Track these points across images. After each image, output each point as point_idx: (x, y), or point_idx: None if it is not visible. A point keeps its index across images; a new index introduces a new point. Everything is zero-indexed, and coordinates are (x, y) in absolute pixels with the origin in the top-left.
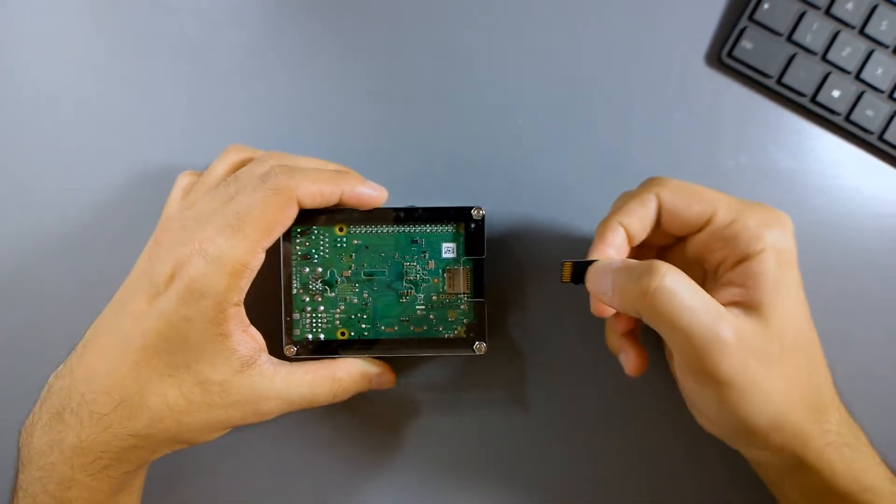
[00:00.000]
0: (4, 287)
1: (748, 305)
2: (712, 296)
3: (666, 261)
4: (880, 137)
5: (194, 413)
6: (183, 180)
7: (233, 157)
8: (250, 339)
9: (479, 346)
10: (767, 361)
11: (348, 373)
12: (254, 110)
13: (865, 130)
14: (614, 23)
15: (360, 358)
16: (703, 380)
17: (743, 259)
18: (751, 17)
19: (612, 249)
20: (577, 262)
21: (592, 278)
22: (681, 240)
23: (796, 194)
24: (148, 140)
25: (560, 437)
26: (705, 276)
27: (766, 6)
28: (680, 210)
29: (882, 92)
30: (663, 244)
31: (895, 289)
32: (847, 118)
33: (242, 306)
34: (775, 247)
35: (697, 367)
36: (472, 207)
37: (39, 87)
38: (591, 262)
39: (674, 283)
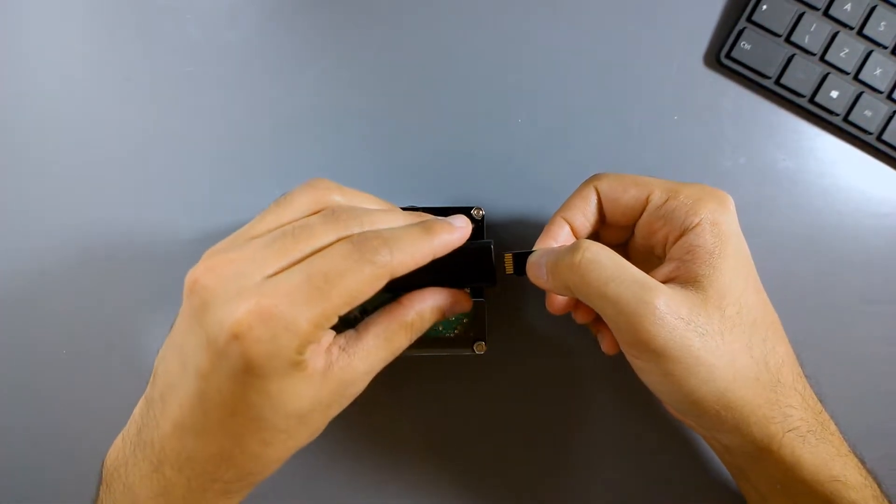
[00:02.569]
0: (3, 286)
1: (686, 279)
2: (656, 272)
3: (623, 256)
4: (879, 138)
5: (297, 437)
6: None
7: (317, 197)
8: (321, 350)
9: (479, 346)
10: (706, 333)
11: (419, 315)
12: (254, 110)
13: (864, 131)
14: (613, 24)
15: (425, 289)
16: (640, 352)
17: (681, 234)
18: (749, 19)
19: (554, 242)
20: (518, 252)
21: (530, 267)
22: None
23: (795, 194)
24: (148, 140)
25: (560, 436)
26: (660, 263)
27: (764, 7)
28: (618, 196)
29: (881, 92)
30: (619, 241)
31: (894, 288)
32: (845, 118)
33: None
34: (711, 219)
35: (632, 339)
36: (472, 207)
37: (39, 87)
38: (531, 251)
39: (596, 255)
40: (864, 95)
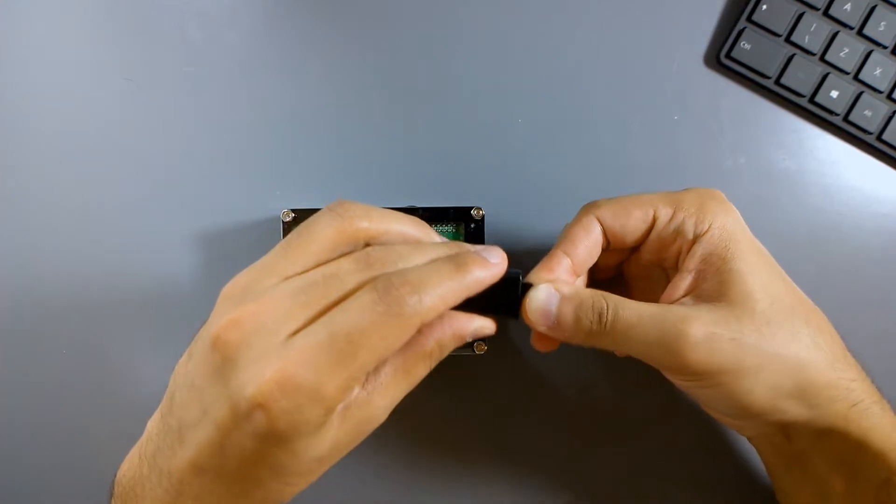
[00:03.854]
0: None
1: (707, 289)
2: (675, 286)
3: (624, 275)
4: (878, 137)
5: (317, 473)
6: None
7: (342, 227)
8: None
9: (479, 346)
10: (744, 339)
11: (438, 344)
12: (254, 111)
13: (864, 130)
14: (613, 24)
15: (445, 315)
16: (685, 376)
17: (693, 243)
18: (749, 19)
19: (552, 275)
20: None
21: (536, 308)
22: (633, 251)
23: (795, 194)
24: (149, 141)
25: (560, 436)
26: (667, 276)
27: (764, 7)
28: (623, 222)
29: (880, 92)
30: (616, 262)
31: (895, 288)
32: (845, 118)
33: None
34: (719, 224)
35: (673, 368)
36: (472, 207)
37: (39, 88)
38: (522, 281)
39: (623, 314)
40: (864, 95)
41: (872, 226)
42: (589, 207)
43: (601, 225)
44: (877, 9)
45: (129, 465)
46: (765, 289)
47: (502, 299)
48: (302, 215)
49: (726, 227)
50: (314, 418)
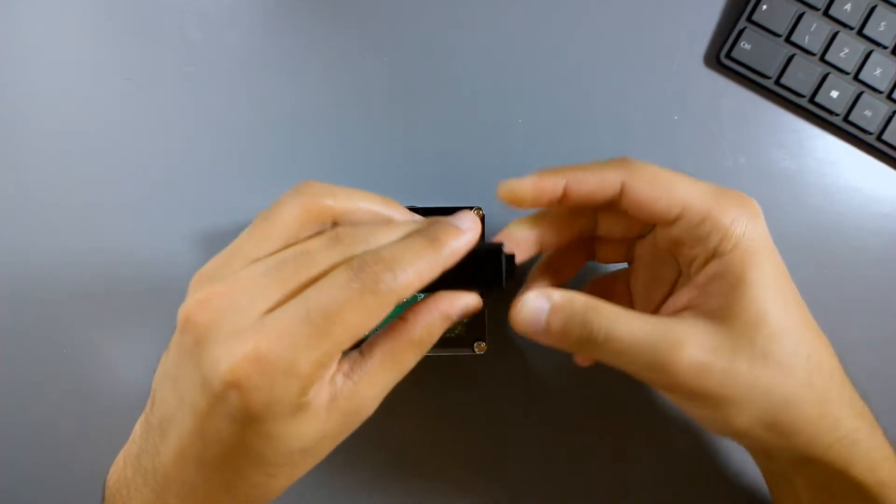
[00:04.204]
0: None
1: (712, 309)
2: (678, 297)
3: (635, 253)
4: (879, 138)
5: (302, 466)
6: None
7: (307, 204)
8: (325, 381)
9: (479, 346)
10: (733, 371)
11: (427, 329)
12: (253, 110)
13: (864, 131)
14: (613, 24)
15: (429, 298)
16: (674, 395)
17: (711, 257)
18: (749, 19)
19: (538, 200)
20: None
21: (523, 309)
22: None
23: (795, 194)
24: (149, 141)
25: (560, 436)
26: (679, 271)
27: (764, 7)
28: (648, 203)
29: (881, 92)
30: (628, 235)
31: (894, 288)
32: (845, 118)
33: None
34: (745, 245)
35: (664, 385)
36: (472, 207)
37: (39, 88)
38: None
39: (622, 324)
40: (864, 95)
41: (872, 226)
42: (621, 166)
43: (622, 189)
44: (877, 9)
45: (115, 469)
46: (772, 320)
47: (485, 271)
48: None
49: (751, 248)
50: (290, 397)
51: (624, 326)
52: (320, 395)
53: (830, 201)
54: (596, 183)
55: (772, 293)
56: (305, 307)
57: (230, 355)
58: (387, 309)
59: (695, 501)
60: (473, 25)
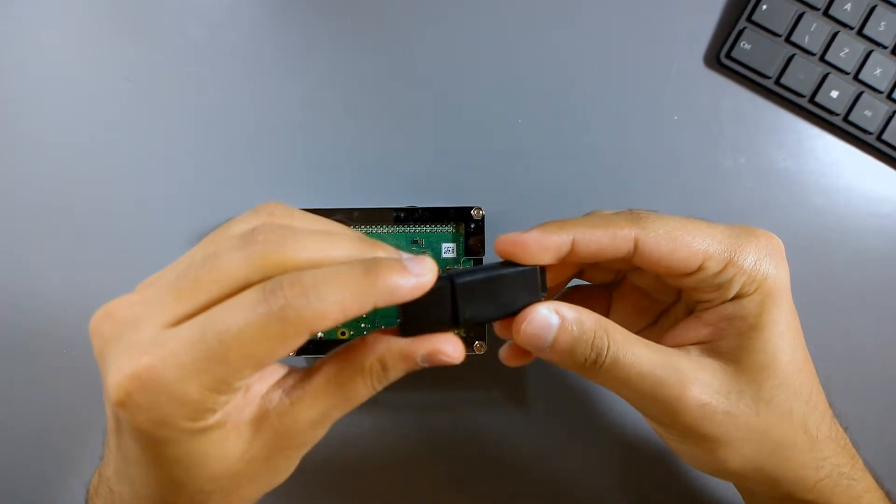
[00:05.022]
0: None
1: (721, 349)
2: (685, 331)
3: (627, 278)
4: (878, 138)
5: (242, 491)
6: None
7: (259, 261)
8: (252, 401)
9: (479, 346)
10: (738, 412)
11: (380, 361)
12: (253, 111)
13: (864, 131)
14: (613, 24)
15: (389, 335)
16: (670, 433)
17: (728, 299)
18: (749, 19)
19: (542, 258)
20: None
21: (533, 323)
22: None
23: (795, 194)
24: (149, 141)
25: (560, 436)
26: (669, 302)
27: (764, 7)
28: (665, 259)
29: (880, 92)
30: (620, 269)
31: (894, 288)
32: (845, 118)
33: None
34: (766, 289)
35: (661, 422)
36: (472, 207)
37: (40, 88)
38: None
39: (630, 354)
40: (863, 95)
41: (872, 226)
42: (631, 218)
43: (635, 245)
44: (877, 9)
45: (94, 477)
46: (781, 365)
47: (438, 311)
48: None
49: (771, 291)
50: (179, 421)
51: (632, 354)
52: (243, 412)
53: (830, 201)
54: (607, 241)
55: (784, 338)
56: (202, 327)
57: (119, 371)
58: (296, 339)
59: (698, 499)
60: (474, 25)
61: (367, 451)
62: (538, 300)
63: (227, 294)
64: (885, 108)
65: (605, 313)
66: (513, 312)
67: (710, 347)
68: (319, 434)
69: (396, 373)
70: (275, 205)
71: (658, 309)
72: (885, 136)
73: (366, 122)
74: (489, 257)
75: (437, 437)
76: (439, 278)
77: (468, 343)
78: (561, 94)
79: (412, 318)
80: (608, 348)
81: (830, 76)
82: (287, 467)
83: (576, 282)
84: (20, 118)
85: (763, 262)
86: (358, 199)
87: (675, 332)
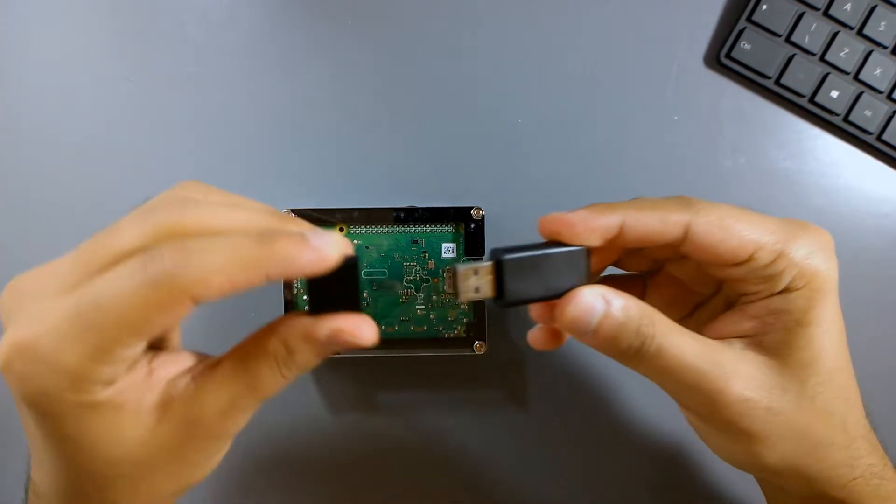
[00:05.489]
0: None
1: (766, 343)
2: (727, 323)
3: (665, 267)
4: (879, 138)
5: (137, 483)
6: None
7: (159, 217)
8: (156, 384)
9: (479, 346)
10: (781, 409)
11: (284, 343)
12: (253, 111)
13: (864, 131)
14: (613, 24)
15: (297, 314)
16: (709, 427)
17: (776, 292)
18: (749, 19)
19: (589, 239)
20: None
21: (578, 304)
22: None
23: (795, 194)
24: (149, 141)
25: (560, 436)
26: (709, 294)
27: (764, 7)
28: (715, 247)
29: (881, 92)
30: (663, 257)
31: (894, 288)
32: (846, 118)
33: (133, 368)
34: (815, 284)
35: (703, 417)
36: (471, 207)
37: (39, 88)
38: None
39: (675, 344)
40: (864, 95)
41: (872, 226)
42: (683, 205)
43: (685, 231)
44: (877, 9)
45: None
46: (826, 363)
47: (342, 290)
48: (302, 215)
49: (821, 287)
50: (60, 393)
51: (677, 344)
52: (145, 396)
53: (830, 201)
54: (657, 224)
55: (830, 336)
56: (81, 295)
57: (4, 342)
58: (176, 305)
59: (698, 499)
60: (473, 25)
61: (367, 451)
62: (584, 283)
63: (118, 262)
64: (885, 108)
65: None
66: (556, 294)
67: (754, 341)
68: (232, 425)
69: (304, 356)
70: (193, 182)
71: (694, 301)
72: (885, 136)
73: (366, 122)
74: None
75: (436, 438)
76: (350, 257)
77: (468, 343)
78: (561, 94)
79: (319, 296)
80: (653, 337)
81: (830, 76)
82: (202, 461)
83: (609, 270)
84: (20, 118)
85: (814, 256)
86: (358, 199)
87: (715, 324)
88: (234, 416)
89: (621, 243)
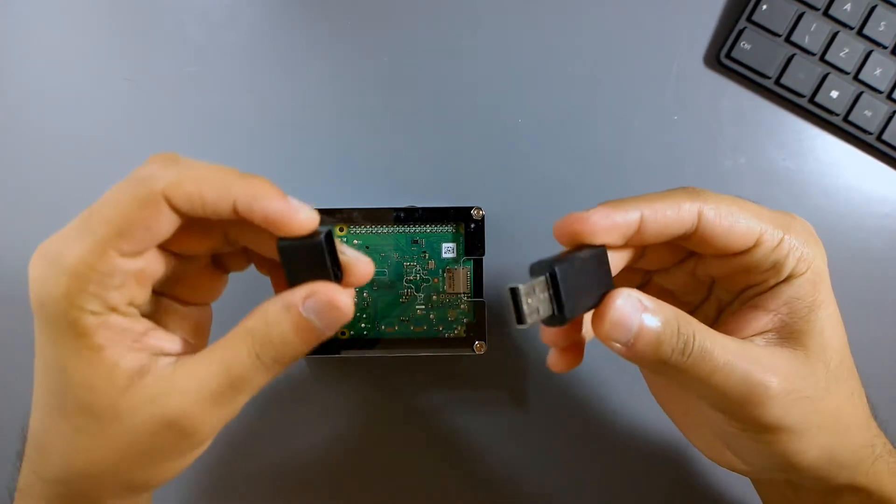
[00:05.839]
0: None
1: (785, 334)
2: (746, 322)
3: (663, 280)
4: (878, 138)
5: (98, 449)
6: None
7: (141, 199)
8: (142, 349)
9: (479, 346)
10: (815, 396)
11: (263, 316)
12: (253, 111)
13: (864, 131)
14: (613, 24)
15: (285, 292)
16: (746, 428)
17: (782, 281)
18: (749, 19)
19: (610, 236)
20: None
21: (617, 312)
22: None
23: (795, 195)
24: (148, 141)
25: (560, 436)
26: (712, 296)
27: (764, 7)
28: (725, 234)
29: (880, 92)
30: (664, 262)
31: (895, 288)
32: (845, 118)
33: (128, 315)
34: (815, 267)
35: (739, 419)
36: (471, 207)
37: (39, 88)
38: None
39: (717, 343)
40: (864, 95)
41: (872, 226)
42: (691, 194)
43: (698, 220)
44: (877, 9)
45: None
46: (838, 343)
47: (314, 262)
48: None
49: (820, 271)
50: (57, 290)
51: (719, 344)
52: (125, 355)
53: (830, 201)
54: (674, 216)
55: (835, 316)
56: (80, 213)
57: (35, 253)
58: (152, 205)
59: (698, 499)
60: (473, 25)
61: (367, 451)
62: (611, 287)
63: None
64: (884, 108)
65: None
66: (596, 303)
67: (775, 336)
68: (201, 414)
69: (281, 330)
70: (169, 154)
71: (685, 311)
72: (885, 136)
73: (366, 122)
74: (488, 258)
75: (436, 438)
76: (318, 231)
77: (468, 343)
78: (561, 94)
79: (295, 271)
80: (694, 336)
81: (830, 76)
82: (162, 454)
83: None
84: (19, 118)
85: (808, 243)
86: (358, 199)
87: (730, 326)
88: (203, 401)
89: (638, 240)
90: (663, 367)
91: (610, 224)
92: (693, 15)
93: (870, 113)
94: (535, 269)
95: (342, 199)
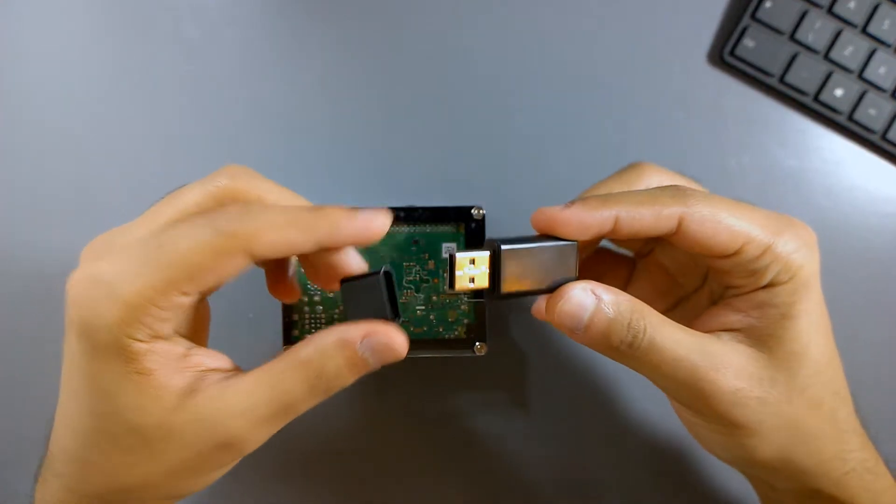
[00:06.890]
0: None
1: (754, 335)
2: (714, 316)
3: (656, 257)
4: (883, 136)
5: (147, 466)
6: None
7: (219, 182)
8: (187, 368)
9: (480, 347)
10: (771, 400)
11: (318, 351)
12: (252, 110)
13: (868, 129)
14: (616, 22)
15: (339, 325)
16: (699, 419)
17: (762, 286)
18: (753, 16)
19: (582, 235)
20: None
21: (565, 308)
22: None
23: (799, 193)
24: (147, 140)
25: (560, 437)
26: (696, 285)
27: (768, 5)
28: (706, 240)
29: (885, 91)
30: (647, 246)
31: None
32: (850, 117)
33: (171, 340)
34: (800, 278)
35: (692, 408)
36: (472, 207)
37: (37, 86)
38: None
39: (666, 337)
40: (868, 94)
41: (877, 225)
42: (679, 197)
43: (679, 224)
44: (881, 7)
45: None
46: (814, 355)
47: (372, 299)
48: None
49: (805, 281)
50: (107, 321)
51: (669, 338)
52: (173, 376)
53: (834, 200)
54: (651, 220)
55: (816, 329)
56: (149, 236)
57: (78, 271)
58: (231, 254)
59: (699, 499)
60: (473, 25)
61: (366, 452)
62: (574, 278)
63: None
64: (889, 106)
65: (624, 286)
66: (549, 289)
67: (742, 334)
68: (248, 430)
69: (336, 364)
70: (241, 166)
71: (679, 294)
72: (889, 135)
73: (365, 122)
74: None
75: (436, 439)
76: (377, 271)
77: (468, 344)
78: (562, 93)
79: (353, 302)
80: (644, 330)
81: (834, 74)
82: (205, 468)
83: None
84: (16, 117)
85: (800, 251)
86: (358, 199)
87: (703, 318)
88: (255, 422)
89: (614, 236)
90: (614, 356)
91: (581, 226)
92: (696, 12)
93: (874, 111)
94: (486, 244)
95: (341, 199)
